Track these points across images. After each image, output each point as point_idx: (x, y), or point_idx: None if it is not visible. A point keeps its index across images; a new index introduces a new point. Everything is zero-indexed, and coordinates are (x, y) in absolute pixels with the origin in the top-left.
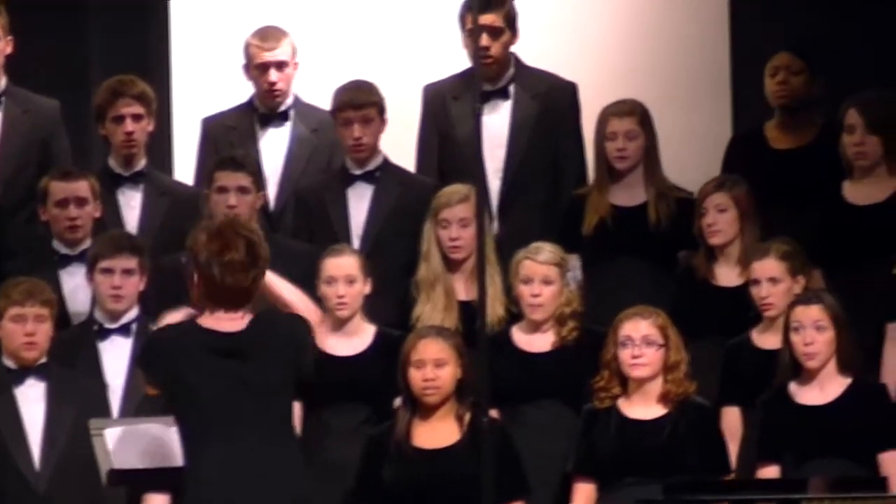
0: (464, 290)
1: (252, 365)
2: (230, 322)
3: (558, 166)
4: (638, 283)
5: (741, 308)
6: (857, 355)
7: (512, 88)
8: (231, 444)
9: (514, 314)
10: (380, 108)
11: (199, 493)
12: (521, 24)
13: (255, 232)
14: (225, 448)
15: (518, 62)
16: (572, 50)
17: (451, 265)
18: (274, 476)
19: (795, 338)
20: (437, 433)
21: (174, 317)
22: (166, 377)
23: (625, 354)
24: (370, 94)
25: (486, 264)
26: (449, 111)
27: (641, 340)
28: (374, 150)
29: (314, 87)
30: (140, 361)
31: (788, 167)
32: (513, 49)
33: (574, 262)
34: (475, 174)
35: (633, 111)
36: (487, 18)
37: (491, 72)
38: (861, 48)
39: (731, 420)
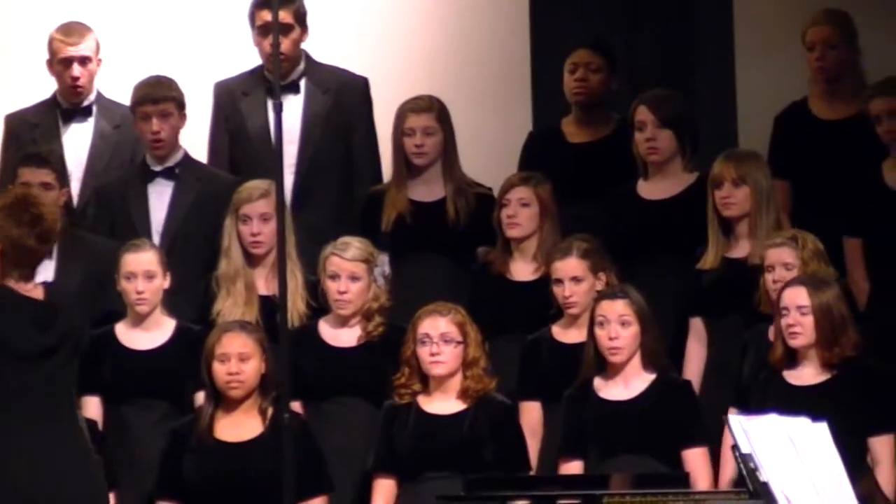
0: (265, 284)
1: (54, 333)
2: (33, 290)
3: (351, 161)
4: (437, 279)
5: (537, 303)
6: (661, 351)
7: (303, 84)
8: (32, 421)
9: (316, 309)
10: (178, 103)
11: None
12: (316, 20)
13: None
14: (25, 429)
15: (308, 58)
16: (368, 46)
17: (252, 260)
18: (71, 461)
19: (600, 332)
20: (240, 427)
21: None
22: None
23: (423, 352)
24: (169, 89)
25: (287, 259)
26: (239, 107)
27: (439, 338)
28: (173, 145)
29: (117, 83)
30: None
31: (584, 161)
32: (305, 46)
33: (383, 257)
34: (273, 169)
35: (431, 107)
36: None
37: (282, 68)
38: (652, 49)
39: (531, 415)
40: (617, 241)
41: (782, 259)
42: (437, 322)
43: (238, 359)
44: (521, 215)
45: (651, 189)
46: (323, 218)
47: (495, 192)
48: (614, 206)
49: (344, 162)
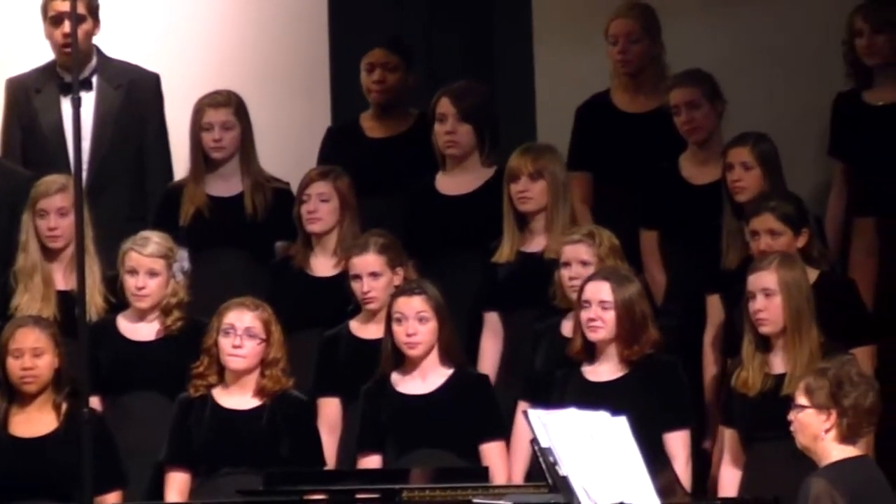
0: (62, 279)
1: None
2: None
3: (143, 157)
4: (235, 274)
5: (339, 297)
6: (458, 345)
7: (95, 80)
8: None
9: (113, 303)
10: None
11: None
12: (109, 15)
13: None
14: None
15: (100, 54)
16: (163, 40)
17: (50, 255)
18: None
19: (398, 328)
20: (35, 422)
21: None
22: None
23: (225, 342)
24: None
25: (85, 254)
26: (32, 103)
27: (244, 331)
28: None
29: None
30: None
31: (383, 157)
32: (98, 41)
33: (183, 253)
34: (66, 165)
35: (229, 102)
36: (68, 5)
37: (71, 60)
38: (450, 42)
39: (330, 411)
40: (416, 236)
41: (579, 256)
42: (243, 315)
43: (31, 354)
44: (321, 210)
45: (449, 184)
46: (114, 214)
47: (294, 187)
48: (413, 202)
49: (135, 158)
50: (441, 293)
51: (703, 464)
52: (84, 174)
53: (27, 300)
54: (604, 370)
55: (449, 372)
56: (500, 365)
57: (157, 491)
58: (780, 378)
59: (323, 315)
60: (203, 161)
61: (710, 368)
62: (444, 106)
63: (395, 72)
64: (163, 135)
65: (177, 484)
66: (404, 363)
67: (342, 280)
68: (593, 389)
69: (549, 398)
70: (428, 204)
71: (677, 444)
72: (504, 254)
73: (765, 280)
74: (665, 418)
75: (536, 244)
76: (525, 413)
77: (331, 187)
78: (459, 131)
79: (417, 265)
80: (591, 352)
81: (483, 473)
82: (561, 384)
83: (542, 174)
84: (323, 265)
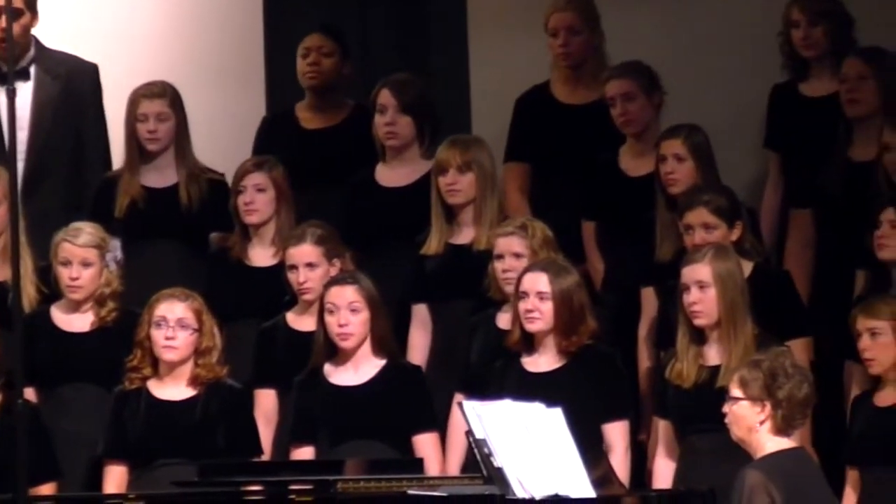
0: None
1: None
2: None
3: (80, 147)
4: (170, 265)
5: (275, 289)
6: (391, 336)
7: (32, 69)
8: None
9: (46, 294)
10: None
11: None
12: (47, 5)
13: None
14: None
15: (38, 44)
16: (99, 31)
17: None
18: None
19: (330, 319)
20: None
21: None
22: None
23: (157, 335)
24: None
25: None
26: None
27: (176, 323)
28: None
29: None
30: None
31: (319, 147)
32: (35, 31)
33: (115, 243)
34: (5, 156)
35: (164, 93)
36: None
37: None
38: (386, 33)
39: (266, 403)
40: (355, 227)
41: (511, 248)
42: (174, 306)
43: None
44: (258, 201)
45: (389, 175)
46: (52, 204)
47: (229, 178)
48: (352, 193)
49: (73, 148)
50: (378, 285)
51: (640, 456)
52: (21, 164)
53: None
54: (542, 361)
55: (382, 363)
56: (433, 357)
57: (94, 484)
58: (715, 370)
59: (260, 305)
60: (138, 152)
61: (644, 361)
62: (385, 97)
63: (329, 56)
64: (101, 125)
65: (114, 477)
66: (337, 354)
67: (280, 270)
68: (532, 380)
69: (487, 390)
70: (368, 195)
71: (616, 434)
72: (432, 246)
73: (699, 272)
74: (604, 409)
75: (465, 236)
76: (460, 404)
77: (266, 178)
78: (399, 122)
79: (356, 257)
80: (530, 343)
81: (417, 465)
82: (499, 375)
83: (470, 166)
84: (261, 255)
